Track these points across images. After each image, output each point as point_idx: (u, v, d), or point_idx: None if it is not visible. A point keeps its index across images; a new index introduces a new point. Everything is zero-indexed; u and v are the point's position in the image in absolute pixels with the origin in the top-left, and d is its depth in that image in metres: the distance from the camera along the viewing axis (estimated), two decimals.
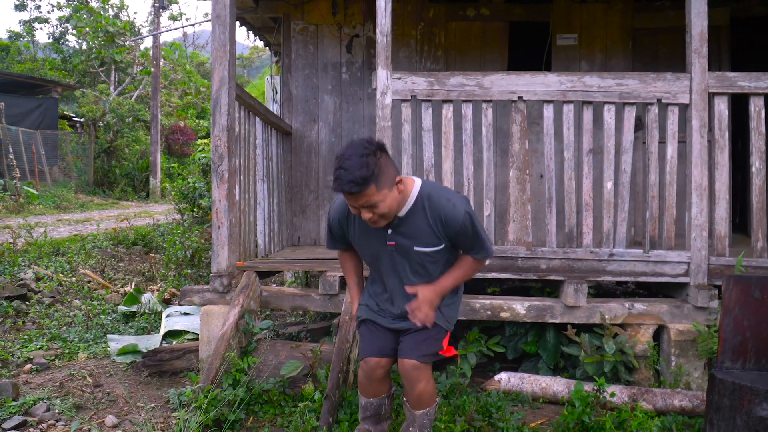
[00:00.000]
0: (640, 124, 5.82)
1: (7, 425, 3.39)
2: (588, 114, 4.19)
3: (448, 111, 4.20)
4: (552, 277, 4.18)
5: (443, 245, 2.71)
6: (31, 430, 3.46)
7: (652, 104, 4.12)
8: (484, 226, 4.25)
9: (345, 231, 2.87)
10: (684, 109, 4.13)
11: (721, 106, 4.09)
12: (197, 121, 28.24)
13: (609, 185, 4.17)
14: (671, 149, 4.11)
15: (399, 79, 4.16)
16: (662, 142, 4.31)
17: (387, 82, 4.14)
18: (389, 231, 2.71)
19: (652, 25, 6.29)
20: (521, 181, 4.19)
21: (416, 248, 2.70)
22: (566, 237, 4.22)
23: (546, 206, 4.22)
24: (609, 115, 4.17)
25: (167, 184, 20.73)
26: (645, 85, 4.09)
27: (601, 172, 4.28)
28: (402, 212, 2.66)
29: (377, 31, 4.14)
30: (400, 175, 2.60)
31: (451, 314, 2.95)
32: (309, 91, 6.58)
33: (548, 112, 4.21)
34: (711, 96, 4.07)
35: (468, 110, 4.23)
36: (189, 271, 7.42)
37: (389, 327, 2.90)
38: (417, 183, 2.72)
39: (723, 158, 4.07)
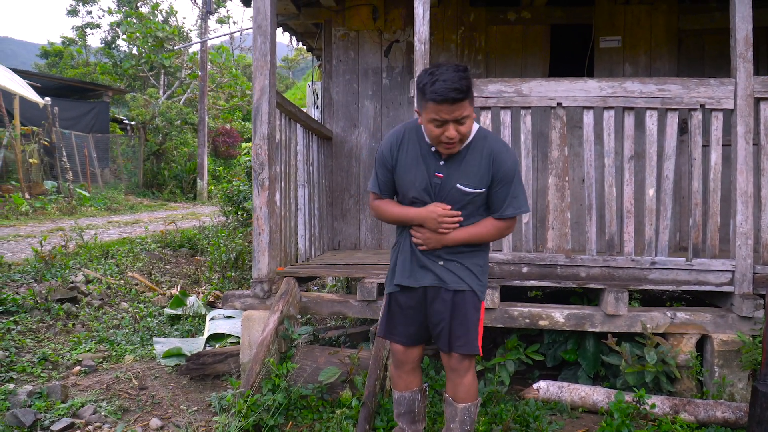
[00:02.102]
0: (685, 127, 5.71)
1: (55, 427, 3.52)
2: (629, 120, 4.12)
3: (486, 118, 4.18)
4: (592, 285, 4.12)
5: (483, 190, 2.68)
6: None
7: (695, 110, 4.03)
8: (523, 233, 4.23)
9: (394, 160, 2.78)
10: (728, 114, 4.03)
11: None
12: (243, 123, 28.70)
13: (651, 192, 4.09)
14: (715, 155, 4.02)
15: None
16: (705, 145, 4.21)
17: None
18: (442, 162, 2.69)
19: (698, 26, 6.16)
20: (560, 188, 4.15)
21: (458, 185, 2.67)
22: (607, 244, 4.16)
23: (586, 213, 4.17)
24: (651, 121, 4.10)
25: (213, 186, 21.14)
26: (688, 90, 4.01)
27: (643, 179, 4.20)
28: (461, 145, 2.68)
29: (415, 38, 4.15)
30: None
31: (485, 281, 2.87)
32: (350, 96, 6.64)
33: (588, 118, 4.16)
34: (757, 101, 3.96)
35: (506, 117, 4.21)
36: (233, 273, 7.57)
37: (421, 287, 2.82)
38: (476, 125, 2.73)
39: None
